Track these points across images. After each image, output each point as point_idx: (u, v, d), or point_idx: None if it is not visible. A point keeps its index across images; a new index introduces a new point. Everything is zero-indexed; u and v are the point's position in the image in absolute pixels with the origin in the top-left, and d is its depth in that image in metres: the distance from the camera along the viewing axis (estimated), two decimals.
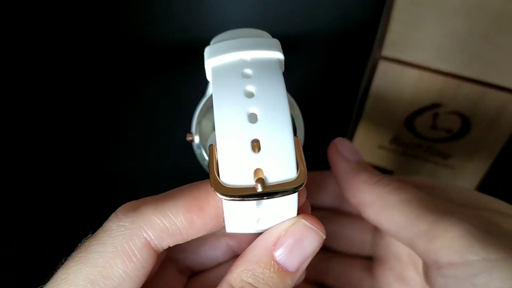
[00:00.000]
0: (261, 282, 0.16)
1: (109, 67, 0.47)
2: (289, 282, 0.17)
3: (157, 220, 0.17)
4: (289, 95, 0.23)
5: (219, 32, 0.20)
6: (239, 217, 0.17)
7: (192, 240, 0.22)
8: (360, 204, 0.21)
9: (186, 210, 0.17)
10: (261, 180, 0.15)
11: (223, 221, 0.17)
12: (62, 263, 0.17)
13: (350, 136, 0.38)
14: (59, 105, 0.45)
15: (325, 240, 0.18)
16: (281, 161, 0.16)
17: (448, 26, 0.28)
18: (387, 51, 0.31)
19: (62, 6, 0.45)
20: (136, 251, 0.16)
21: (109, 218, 0.17)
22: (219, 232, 0.23)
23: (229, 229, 0.18)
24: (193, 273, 0.23)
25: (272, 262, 0.17)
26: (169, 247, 0.18)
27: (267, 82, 0.17)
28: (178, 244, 0.22)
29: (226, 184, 0.16)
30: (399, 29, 0.29)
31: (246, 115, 0.16)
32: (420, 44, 0.30)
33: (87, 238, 0.17)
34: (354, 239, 0.26)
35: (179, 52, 0.45)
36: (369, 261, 0.26)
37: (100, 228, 0.17)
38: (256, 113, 0.16)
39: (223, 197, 0.16)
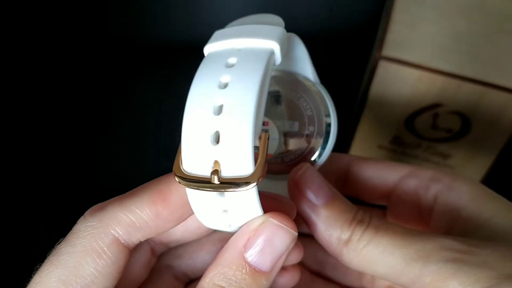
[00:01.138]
0: (233, 284, 0.16)
1: (109, 67, 0.47)
2: (264, 282, 0.17)
3: (123, 216, 0.17)
4: (330, 102, 0.22)
5: None
6: (203, 208, 0.17)
7: (187, 245, 0.22)
8: (338, 260, 0.20)
9: (151, 203, 0.17)
10: (216, 172, 0.16)
11: (192, 211, 0.18)
12: (37, 269, 0.17)
13: (350, 136, 0.38)
14: (59, 106, 0.44)
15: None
16: (237, 155, 0.16)
17: (448, 26, 0.28)
18: (387, 51, 0.31)
19: (60, 4, 0.45)
20: (105, 248, 0.17)
21: (78, 221, 0.17)
22: (215, 236, 0.23)
23: (202, 221, 0.18)
24: (191, 280, 0.23)
25: (244, 264, 0.17)
26: (164, 253, 0.18)
27: (243, 73, 0.16)
28: (174, 250, 0.22)
29: (186, 172, 0.16)
30: (399, 29, 0.29)
31: (213, 106, 0.16)
32: (420, 44, 0.30)
33: (59, 243, 0.17)
34: None
35: (178, 52, 0.45)
36: None
37: (70, 231, 0.17)
38: (223, 104, 0.16)
39: (179, 181, 0.16)
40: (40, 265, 0.17)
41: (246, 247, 0.17)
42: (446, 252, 0.17)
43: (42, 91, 0.45)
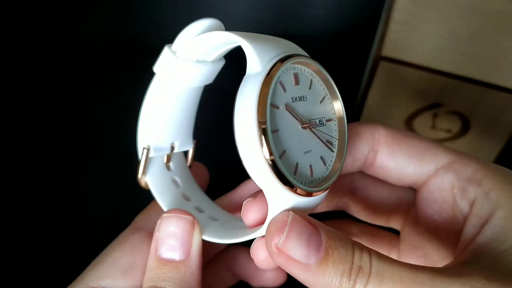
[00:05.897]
0: (158, 280, 0.19)
1: (113, 69, 0.47)
2: (183, 269, 0.19)
3: (138, 216, 0.24)
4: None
5: None
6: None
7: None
8: None
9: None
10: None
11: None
12: None
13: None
14: (61, 108, 0.45)
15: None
16: None
17: (448, 27, 0.29)
18: (387, 51, 0.31)
19: (59, 4, 0.45)
20: (127, 233, 0.22)
21: None
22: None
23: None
24: None
25: (160, 260, 0.19)
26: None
27: None
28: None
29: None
30: (399, 29, 0.30)
31: None
32: (420, 44, 0.30)
33: None
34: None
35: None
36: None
37: None
38: None
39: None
40: None
41: (157, 247, 0.20)
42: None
43: (43, 94, 0.45)
